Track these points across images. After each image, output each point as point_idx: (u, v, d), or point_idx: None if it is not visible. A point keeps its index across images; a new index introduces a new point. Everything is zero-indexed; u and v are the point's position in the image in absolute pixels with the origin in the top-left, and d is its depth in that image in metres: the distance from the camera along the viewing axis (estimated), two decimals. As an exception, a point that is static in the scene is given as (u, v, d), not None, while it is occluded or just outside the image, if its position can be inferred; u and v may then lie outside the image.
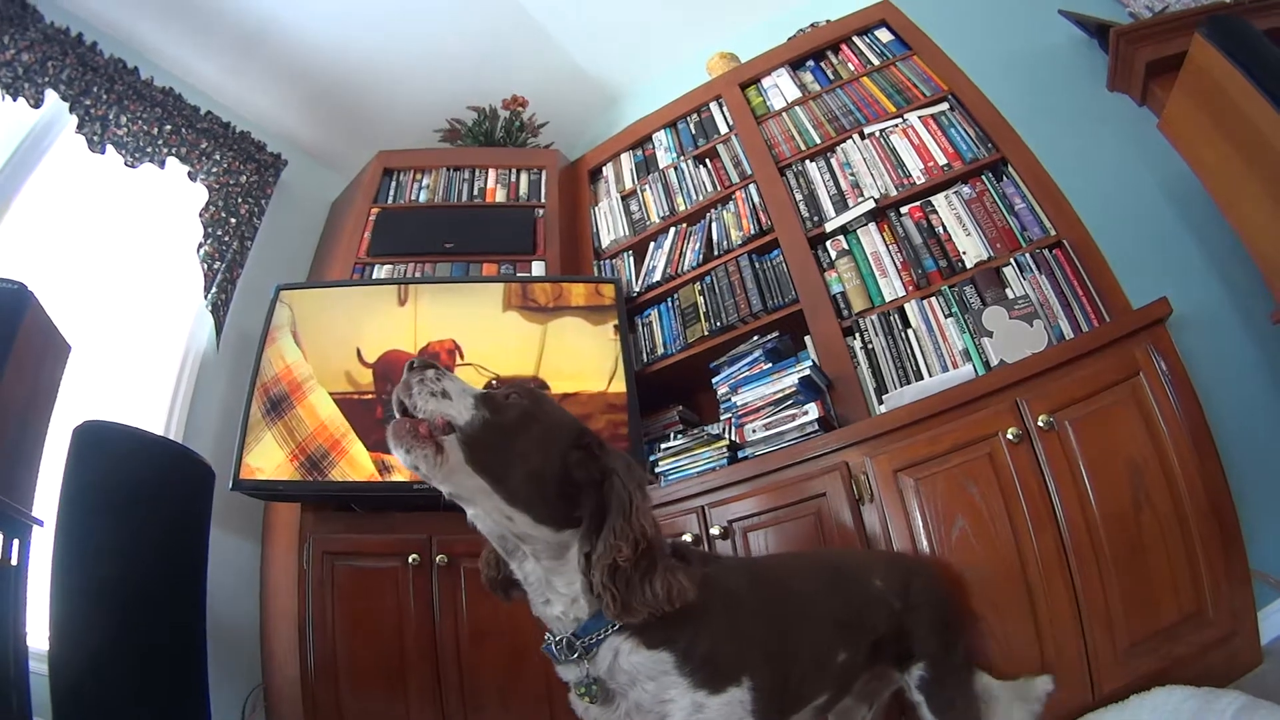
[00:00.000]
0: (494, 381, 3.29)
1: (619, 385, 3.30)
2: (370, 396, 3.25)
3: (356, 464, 3.11)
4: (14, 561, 2.05)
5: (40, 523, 2.19)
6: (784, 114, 3.82)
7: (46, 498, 2.30)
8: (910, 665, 1.90)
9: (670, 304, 3.69)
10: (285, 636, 3.04)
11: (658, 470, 3.04)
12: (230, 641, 3.22)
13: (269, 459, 3.11)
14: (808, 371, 2.86)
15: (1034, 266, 2.84)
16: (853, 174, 3.43)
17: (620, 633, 1.34)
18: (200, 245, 3.89)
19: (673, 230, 3.90)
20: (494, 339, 3.41)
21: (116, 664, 2.21)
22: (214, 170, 4.11)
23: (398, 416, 1.31)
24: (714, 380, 3.21)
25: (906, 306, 3.03)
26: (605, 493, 1.35)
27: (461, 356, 3.33)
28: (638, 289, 3.80)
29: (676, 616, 1.32)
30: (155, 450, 2.79)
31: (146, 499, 2.49)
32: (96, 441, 2.40)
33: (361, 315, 3.47)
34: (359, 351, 3.32)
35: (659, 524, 1.38)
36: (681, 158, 4.12)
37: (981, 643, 2.15)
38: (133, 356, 3.64)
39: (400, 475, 3.06)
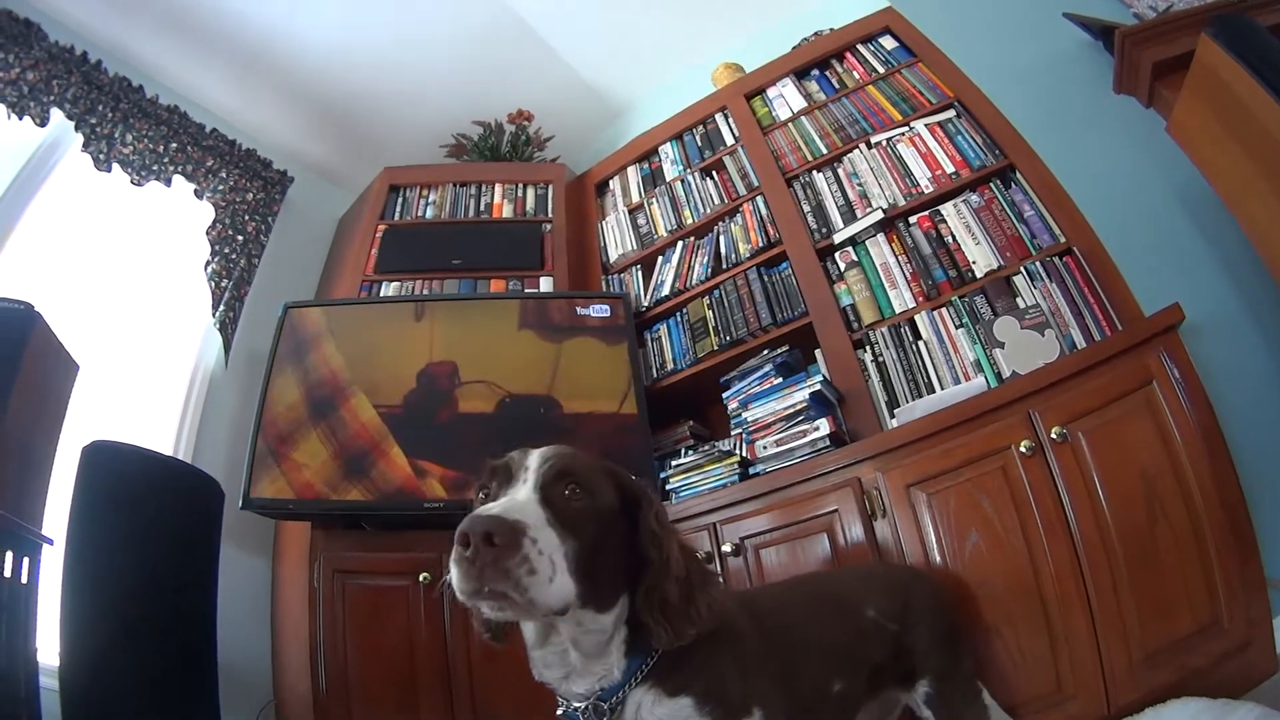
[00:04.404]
0: (506, 399, 3.29)
1: (631, 406, 3.31)
2: (399, 411, 3.30)
3: (395, 465, 3.16)
4: (24, 579, 2.07)
5: (50, 541, 2.22)
6: (790, 124, 3.82)
7: (56, 516, 2.32)
8: (915, 682, 1.90)
9: (679, 318, 3.69)
10: (296, 654, 3.07)
11: (669, 487, 3.04)
12: (242, 658, 3.24)
13: (313, 456, 3.17)
14: (818, 386, 2.85)
15: (1044, 275, 2.81)
16: (860, 184, 3.42)
17: (640, 685, 1.32)
18: (207, 263, 3.93)
19: (680, 244, 3.90)
20: (508, 357, 3.44)
21: (127, 680, 2.23)
22: (220, 188, 4.15)
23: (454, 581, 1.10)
24: (724, 395, 3.20)
25: (917, 318, 3.03)
26: (640, 535, 1.32)
27: (460, 379, 3.34)
28: (646, 304, 3.80)
29: (688, 659, 1.33)
30: (163, 469, 2.83)
31: (155, 517, 2.52)
32: (105, 461, 2.43)
33: (378, 332, 3.51)
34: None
35: (684, 540, 1.38)
36: (688, 170, 4.13)
37: (996, 656, 2.14)
38: (141, 375, 3.66)
39: (429, 489, 3.11)
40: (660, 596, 1.27)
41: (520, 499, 1.20)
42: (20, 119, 3.31)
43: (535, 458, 1.29)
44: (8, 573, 2.01)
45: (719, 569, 2.62)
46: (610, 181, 4.51)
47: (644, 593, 1.28)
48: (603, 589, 1.26)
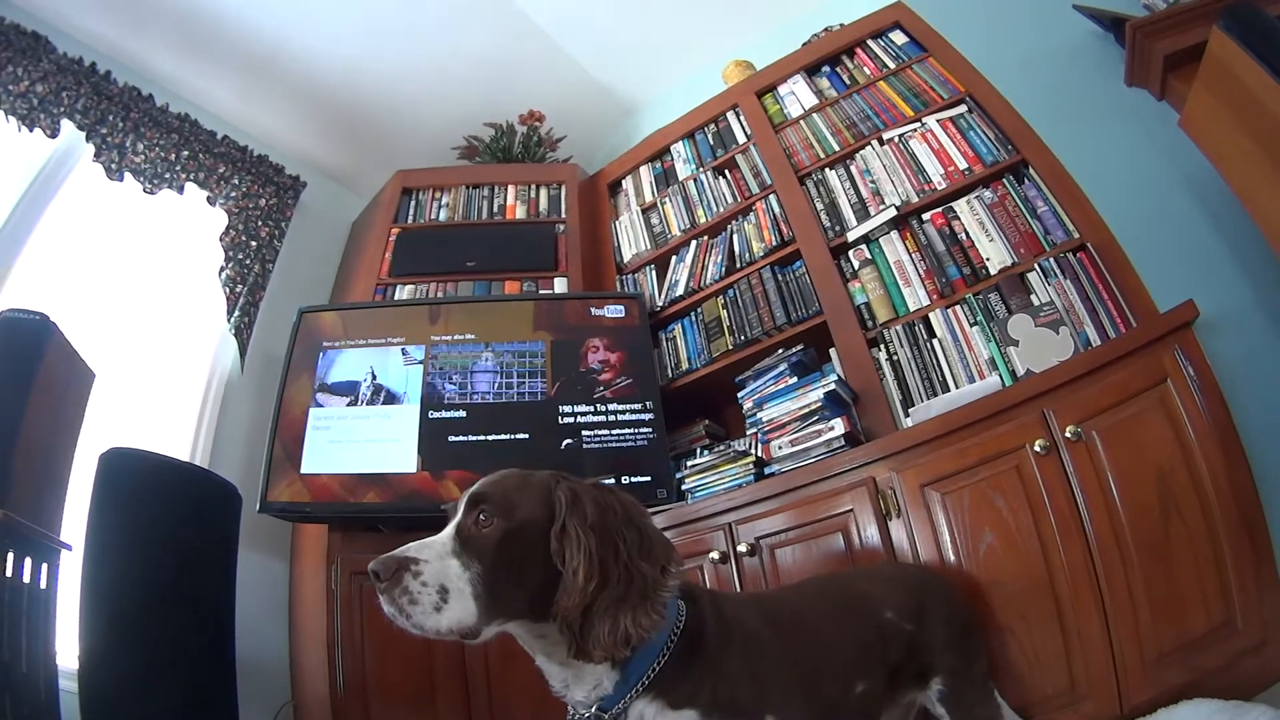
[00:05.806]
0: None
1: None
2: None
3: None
4: (43, 584, 2.12)
5: (68, 547, 2.27)
6: (801, 121, 3.81)
7: (75, 522, 2.36)
8: (930, 680, 1.92)
9: (694, 318, 3.70)
10: (314, 655, 3.09)
11: (684, 487, 3.05)
12: (260, 659, 3.28)
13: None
14: (833, 386, 2.85)
15: (1058, 271, 2.80)
16: (873, 181, 3.41)
17: (643, 696, 1.33)
18: (222, 269, 3.96)
19: (694, 243, 3.90)
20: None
21: (146, 682, 2.26)
22: (233, 194, 4.17)
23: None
24: (739, 395, 3.20)
25: (931, 316, 3.02)
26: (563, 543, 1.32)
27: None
28: (661, 303, 3.81)
29: (696, 666, 1.34)
30: (180, 475, 2.85)
31: (173, 522, 2.55)
32: (122, 467, 2.46)
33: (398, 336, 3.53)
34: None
35: (629, 554, 1.32)
36: (700, 169, 4.12)
37: (1010, 656, 2.14)
38: (158, 382, 3.70)
39: (445, 491, 3.12)
40: (563, 612, 1.26)
41: (439, 536, 1.32)
42: (31, 131, 3.34)
43: (467, 493, 1.37)
44: (27, 578, 2.05)
45: (735, 569, 2.62)
46: (623, 181, 4.51)
47: (555, 601, 1.28)
48: (535, 600, 1.30)
